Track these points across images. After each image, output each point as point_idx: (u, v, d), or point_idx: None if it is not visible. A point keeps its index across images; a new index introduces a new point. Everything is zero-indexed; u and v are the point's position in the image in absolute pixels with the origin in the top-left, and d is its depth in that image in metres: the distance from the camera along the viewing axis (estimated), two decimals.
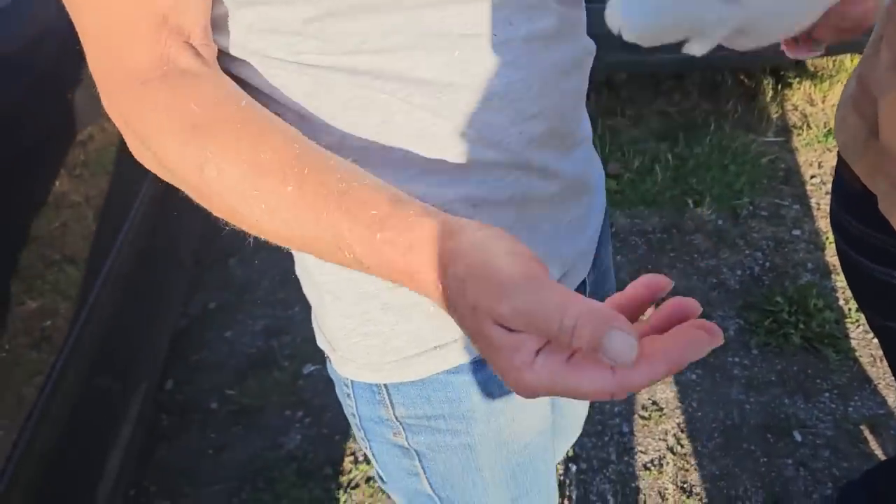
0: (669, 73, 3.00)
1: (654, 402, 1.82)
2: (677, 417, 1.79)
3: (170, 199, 1.63)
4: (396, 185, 0.67)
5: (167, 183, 0.61)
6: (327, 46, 0.61)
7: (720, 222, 2.33)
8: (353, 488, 1.62)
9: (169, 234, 1.85)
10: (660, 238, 2.25)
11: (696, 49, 0.38)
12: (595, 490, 1.67)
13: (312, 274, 0.76)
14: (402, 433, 0.80)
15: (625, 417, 1.80)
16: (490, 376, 0.77)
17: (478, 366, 0.76)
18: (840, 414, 1.76)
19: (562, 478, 1.69)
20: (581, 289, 0.84)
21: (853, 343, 1.90)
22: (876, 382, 1.82)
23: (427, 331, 0.74)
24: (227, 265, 2.26)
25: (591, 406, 1.82)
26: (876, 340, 1.89)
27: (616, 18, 0.32)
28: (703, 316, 2.05)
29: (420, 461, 0.82)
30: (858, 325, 1.93)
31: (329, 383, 1.69)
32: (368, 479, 1.66)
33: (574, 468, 1.71)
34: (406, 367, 0.75)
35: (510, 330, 0.45)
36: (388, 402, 0.78)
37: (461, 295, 0.48)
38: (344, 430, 1.77)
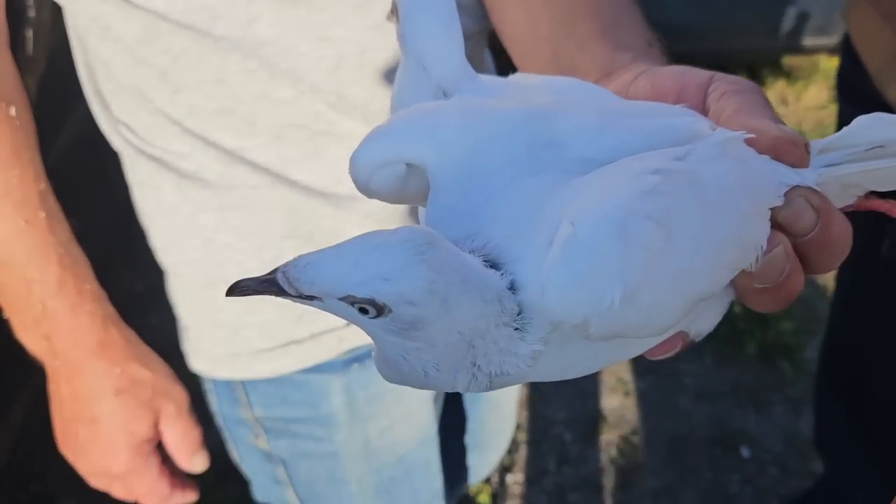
0: None
1: (600, 411, 1.75)
2: (623, 427, 1.72)
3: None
4: (243, 153, 0.60)
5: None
6: None
7: None
8: None
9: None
10: None
11: None
12: (529, 502, 1.59)
13: (158, 255, 0.68)
14: (262, 436, 0.72)
15: (567, 425, 1.72)
16: (355, 378, 0.69)
17: (341, 366, 0.68)
18: (790, 429, 1.69)
19: (495, 488, 1.61)
20: None
21: (809, 356, 1.83)
22: None
23: (279, 323, 0.66)
24: None
25: (533, 412, 1.74)
26: None
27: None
28: None
29: (285, 468, 0.74)
30: (815, 337, 1.86)
31: None
32: None
33: (509, 478, 1.63)
34: (257, 361, 0.67)
35: None
36: (245, 400, 0.70)
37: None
38: None
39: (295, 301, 0.28)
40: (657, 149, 0.31)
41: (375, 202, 0.64)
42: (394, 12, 0.38)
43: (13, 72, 0.60)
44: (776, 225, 0.32)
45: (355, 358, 0.68)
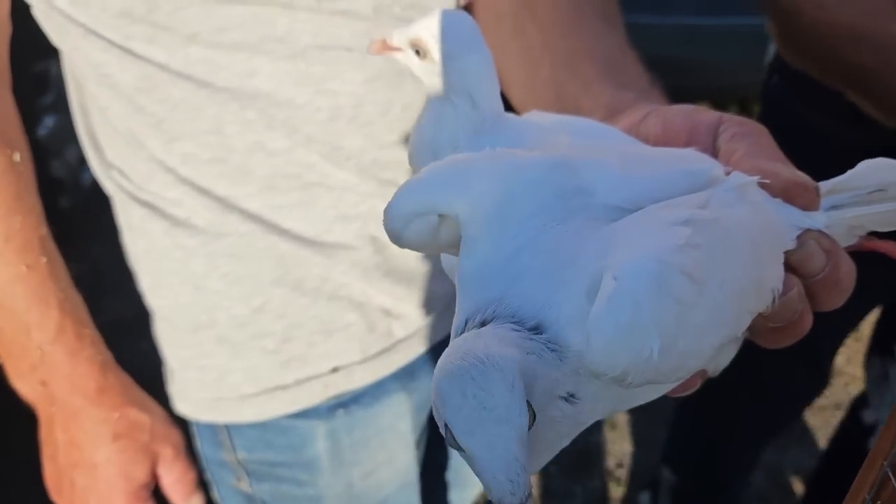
0: None
1: (585, 444, 1.75)
2: (607, 461, 1.72)
3: None
4: (235, 202, 0.61)
5: None
6: (158, 35, 0.55)
7: None
8: None
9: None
10: None
11: None
12: None
13: (146, 297, 0.69)
14: (245, 479, 0.72)
15: (554, 459, 1.72)
16: (340, 424, 0.69)
17: (325, 411, 0.69)
18: (773, 465, 1.69)
19: None
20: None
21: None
22: (814, 433, 1.76)
23: (265, 369, 0.67)
24: None
25: None
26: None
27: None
28: None
29: None
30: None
31: None
32: None
33: None
34: (242, 406, 0.68)
35: None
36: (229, 444, 0.71)
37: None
38: None
39: None
40: (678, 195, 0.33)
41: (362, 252, 0.66)
42: (420, 53, 0.39)
43: (16, 116, 0.61)
44: (788, 266, 0.33)
45: (340, 404, 0.69)
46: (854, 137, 0.83)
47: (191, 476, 0.68)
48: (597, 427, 1.78)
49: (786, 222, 0.34)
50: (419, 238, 0.34)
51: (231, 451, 0.71)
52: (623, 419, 1.79)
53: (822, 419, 1.78)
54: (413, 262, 0.69)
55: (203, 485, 0.73)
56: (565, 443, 0.31)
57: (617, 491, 1.66)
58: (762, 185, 0.34)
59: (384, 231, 0.65)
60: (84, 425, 0.63)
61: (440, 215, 0.33)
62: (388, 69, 0.60)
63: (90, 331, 0.63)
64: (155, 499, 0.68)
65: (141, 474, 0.65)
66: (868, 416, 1.23)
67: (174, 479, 0.67)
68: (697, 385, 0.35)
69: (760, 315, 0.33)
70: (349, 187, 0.63)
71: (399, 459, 0.74)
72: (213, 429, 0.71)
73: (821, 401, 1.84)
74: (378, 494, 0.74)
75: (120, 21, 0.56)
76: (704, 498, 1.35)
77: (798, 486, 1.64)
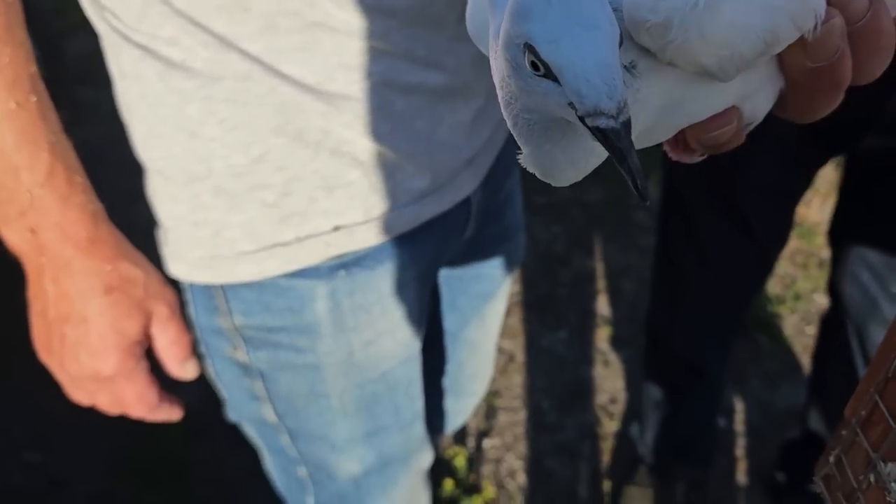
0: None
1: (578, 380, 1.74)
2: (600, 396, 1.71)
3: None
4: (234, 41, 0.58)
5: None
6: None
7: None
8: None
9: None
10: (600, 211, 2.16)
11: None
12: (505, 467, 1.57)
13: (139, 151, 0.66)
14: (241, 347, 0.70)
15: (545, 393, 1.71)
16: (341, 285, 0.67)
17: (326, 272, 0.66)
18: (767, 401, 1.69)
19: (472, 452, 1.60)
20: (464, 206, 0.74)
21: (787, 331, 1.84)
22: (804, 372, 1.76)
23: (264, 223, 0.64)
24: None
25: (511, 380, 1.73)
26: (809, 330, 1.83)
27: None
28: (637, 295, 1.98)
29: (263, 382, 0.72)
30: (794, 313, 1.87)
31: None
32: None
33: (486, 443, 1.62)
34: (239, 264, 0.65)
35: None
36: (225, 308, 0.68)
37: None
38: None
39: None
40: None
41: (368, 103, 0.63)
42: None
43: None
44: (829, 4, 0.32)
45: (342, 264, 0.66)
46: None
47: (186, 339, 0.66)
48: (589, 364, 1.77)
49: None
50: None
51: (227, 316, 0.68)
52: (616, 357, 1.78)
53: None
54: (420, 123, 0.66)
55: (197, 356, 0.71)
56: (599, 149, 0.29)
57: (610, 425, 1.65)
58: None
59: (391, 81, 0.63)
60: (75, 277, 0.60)
61: None
62: None
63: (81, 178, 0.60)
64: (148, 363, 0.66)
65: (133, 330, 0.62)
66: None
67: (168, 341, 0.64)
68: (733, 126, 0.32)
69: (801, 51, 0.31)
70: (352, 32, 0.60)
71: (401, 331, 0.72)
72: (208, 292, 0.68)
73: (811, 341, 1.84)
74: (380, 366, 0.71)
75: None
76: (689, 393, 1.36)
77: (787, 420, 1.64)
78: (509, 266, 0.92)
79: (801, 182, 1.12)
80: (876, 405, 0.35)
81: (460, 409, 1.06)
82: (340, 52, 0.61)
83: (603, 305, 1.88)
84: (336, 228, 0.65)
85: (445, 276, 0.88)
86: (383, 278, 0.68)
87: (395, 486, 0.80)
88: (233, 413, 0.77)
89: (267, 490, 0.92)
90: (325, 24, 0.60)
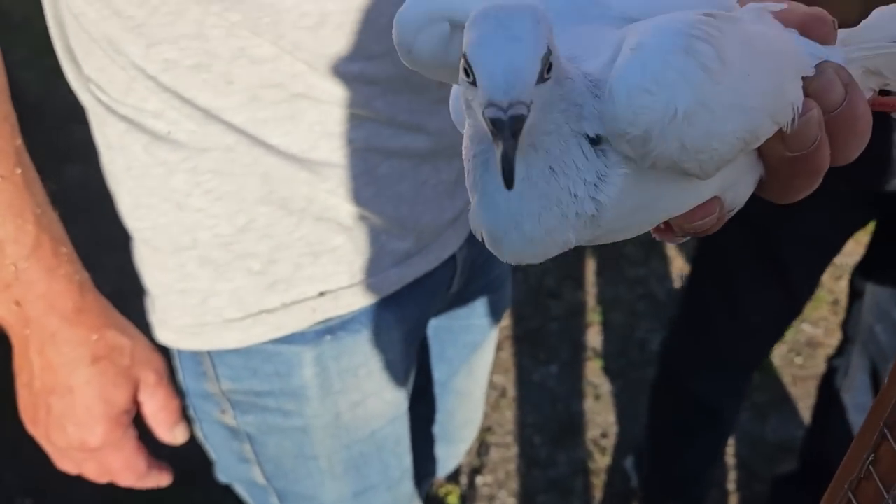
0: None
1: (569, 414, 1.74)
2: (592, 431, 1.71)
3: None
4: (218, 114, 0.59)
5: None
6: None
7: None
8: None
9: None
10: (590, 244, 2.18)
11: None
12: None
13: (125, 220, 0.67)
14: (229, 411, 0.70)
15: (537, 429, 1.71)
16: (328, 350, 0.68)
17: (313, 337, 0.67)
18: (756, 434, 1.70)
19: (465, 489, 1.60)
20: (450, 263, 0.75)
21: (776, 362, 1.84)
22: (795, 403, 1.76)
23: (250, 292, 0.65)
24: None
25: (503, 415, 1.73)
26: (798, 360, 1.84)
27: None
28: (628, 327, 1.99)
29: (251, 445, 0.72)
30: (782, 343, 1.88)
31: None
32: None
33: (479, 480, 1.62)
34: (226, 331, 0.66)
35: None
36: (212, 373, 0.69)
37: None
38: None
39: (524, 128, 0.26)
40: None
41: (351, 169, 0.64)
42: None
43: None
44: (806, 95, 0.32)
45: (328, 329, 0.67)
46: None
47: (174, 404, 0.66)
48: (580, 398, 1.77)
49: (806, 50, 0.33)
50: (431, 51, 0.32)
51: (215, 382, 0.69)
52: (607, 390, 1.78)
53: (804, 389, 1.79)
54: (403, 185, 0.67)
55: (186, 420, 0.71)
56: (553, 221, 0.29)
57: (602, 460, 1.65)
58: (778, 16, 0.33)
59: (374, 147, 0.64)
60: (61, 347, 0.60)
61: (452, 26, 0.32)
62: None
63: (67, 249, 0.61)
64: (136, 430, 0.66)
65: (121, 399, 0.62)
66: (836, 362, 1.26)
67: (157, 407, 0.65)
68: (715, 215, 0.33)
69: (780, 142, 0.32)
70: (335, 101, 0.62)
71: (388, 391, 0.72)
72: (195, 358, 0.69)
73: (801, 371, 1.85)
74: (367, 426, 0.72)
75: None
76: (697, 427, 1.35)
77: (778, 454, 1.65)
78: (497, 316, 0.93)
79: (846, 235, 1.12)
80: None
81: (451, 455, 1.06)
82: (324, 120, 0.62)
83: (594, 338, 1.89)
84: (322, 294, 0.66)
85: (434, 327, 0.89)
86: (369, 341, 0.69)
87: None
88: (222, 475, 0.77)
89: None
90: (307, 94, 0.61)
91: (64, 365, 0.61)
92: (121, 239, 0.68)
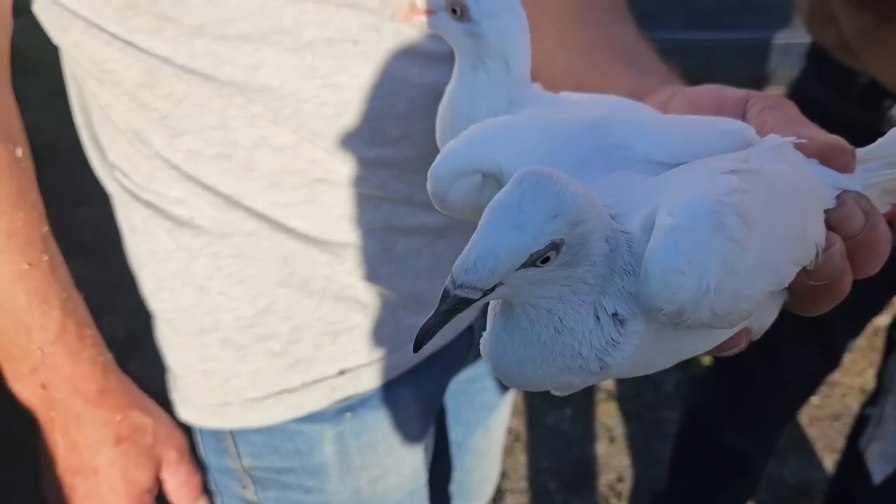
0: None
1: (585, 458, 1.73)
2: (607, 475, 1.70)
3: None
4: (240, 200, 0.60)
5: None
6: (162, 27, 0.54)
7: None
8: None
9: None
10: None
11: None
12: None
13: (148, 301, 0.68)
14: (250, 486, 0.71)
15: (552, 473, 1.71)
16: (348, 428, 0.68)
17: (333, 415, 0.67)
18: (775, 476, 1.68)
19: None
20: (467, 334, 0.76)
21: None
22: (813, 444, 1.75)
23: (271, 372, 0.65)
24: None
25: (518, 460, 1.73)
26: (815, 400, 1.83)
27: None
28: None
29: None
30: None
31: None
32: None
33: None
34: (248, 410, 0.66)
35: None
36: (234, 450, 0.69)
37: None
38: None
39: (478, 301, 0.28)
40: (716, 153, 0.33)
41: (369, 248, 0.65)
42: (457, 11, 0.39)
43: (16, 112, 0.60)
44: (828, 226, 0.34)
45: (348, 407, 0.68)
46: (870, 120, 0.85)
47: (196, 480, 0.66)
48: (595, 441, 1.77)
49: (824, 182, 0.34)
50: (463, 200, 0.33)
51: (236, 458, 0.69)
52: (622, 433, 1.78)
53: (820, 430, 1.78)
54: (420, 261, 0.68)
55: (207, 493, 0.71)
56: (554, 368, 0.31)
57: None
58: (798, 147, 0.34)
59: (392, 226, 0.65)
60: (85, 429, 0.61)
61: (483, 176, 0.33)
62: (394, 63, 0.60)
63: (91, 331, 0.62)
64: None
65: (144, 479, 0.63)
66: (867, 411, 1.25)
67: (178, 484, 0.65)
68: (742, 344, 0.34)
69: (804, 273, 0.33)
70: (353, 184, 0.63)
71: (407, 464, 0.73)
72: (217, 435, 0.69)
73: (818, 412, 1.84)
74: (387, 500, 0.72)
75: (124, 13, 0.55)
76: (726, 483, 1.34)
77: (796, 497, 1.63)
78: None
79: (892, 295, 1.13)
80: None
81: None
82: (342, 203, 0.64)
83: (607, 380, 1.88)
84: (342, 372, 0.67)
85: (450, 390, 0.89)
86: (389, 417, 0.70)
87: None
88: None
89: None
90: (326, 179, 0.62)
91: (88, 446, 0.61)
92: (133, 281, 0.69)
